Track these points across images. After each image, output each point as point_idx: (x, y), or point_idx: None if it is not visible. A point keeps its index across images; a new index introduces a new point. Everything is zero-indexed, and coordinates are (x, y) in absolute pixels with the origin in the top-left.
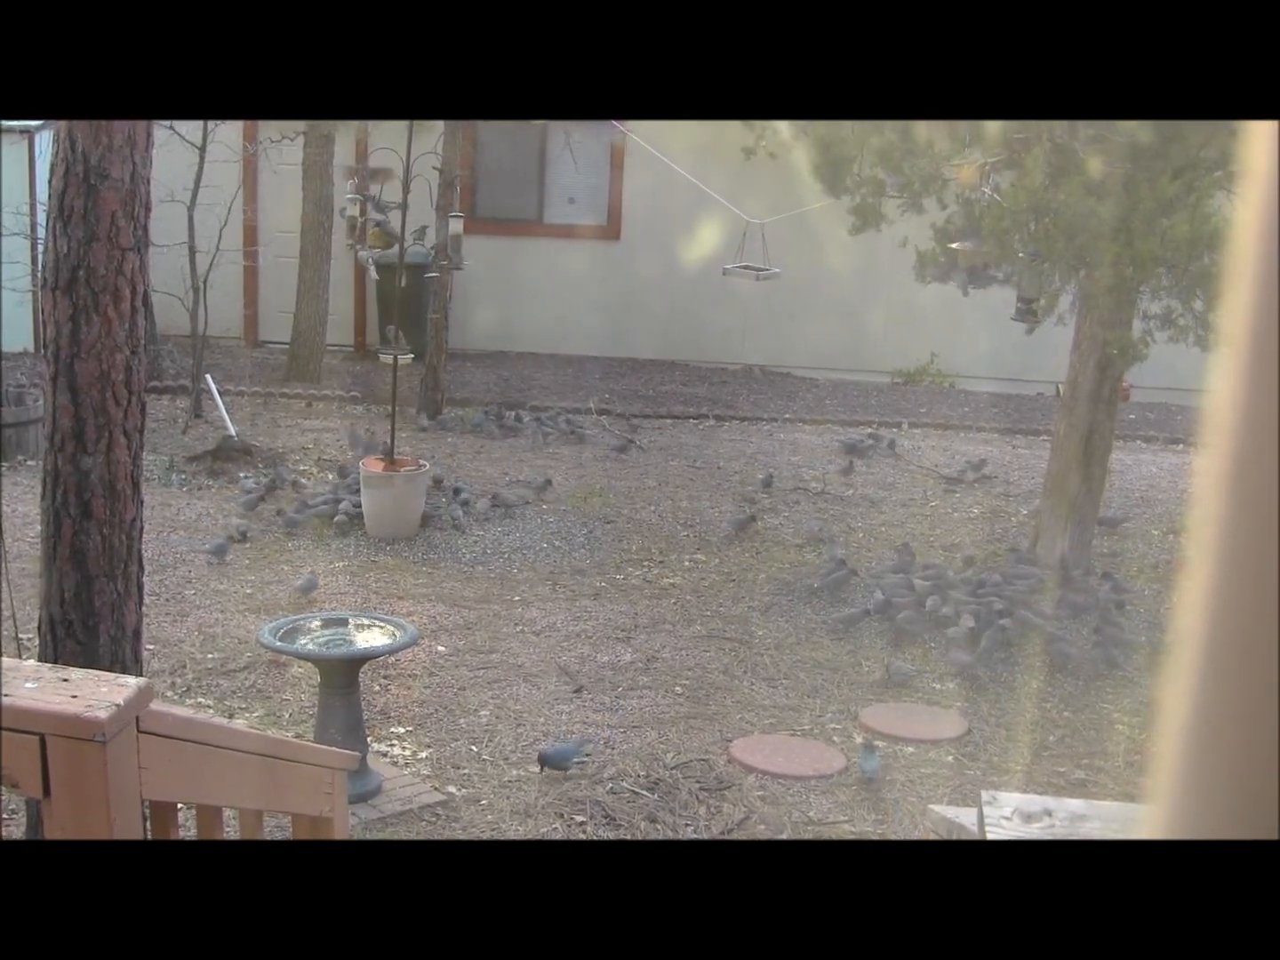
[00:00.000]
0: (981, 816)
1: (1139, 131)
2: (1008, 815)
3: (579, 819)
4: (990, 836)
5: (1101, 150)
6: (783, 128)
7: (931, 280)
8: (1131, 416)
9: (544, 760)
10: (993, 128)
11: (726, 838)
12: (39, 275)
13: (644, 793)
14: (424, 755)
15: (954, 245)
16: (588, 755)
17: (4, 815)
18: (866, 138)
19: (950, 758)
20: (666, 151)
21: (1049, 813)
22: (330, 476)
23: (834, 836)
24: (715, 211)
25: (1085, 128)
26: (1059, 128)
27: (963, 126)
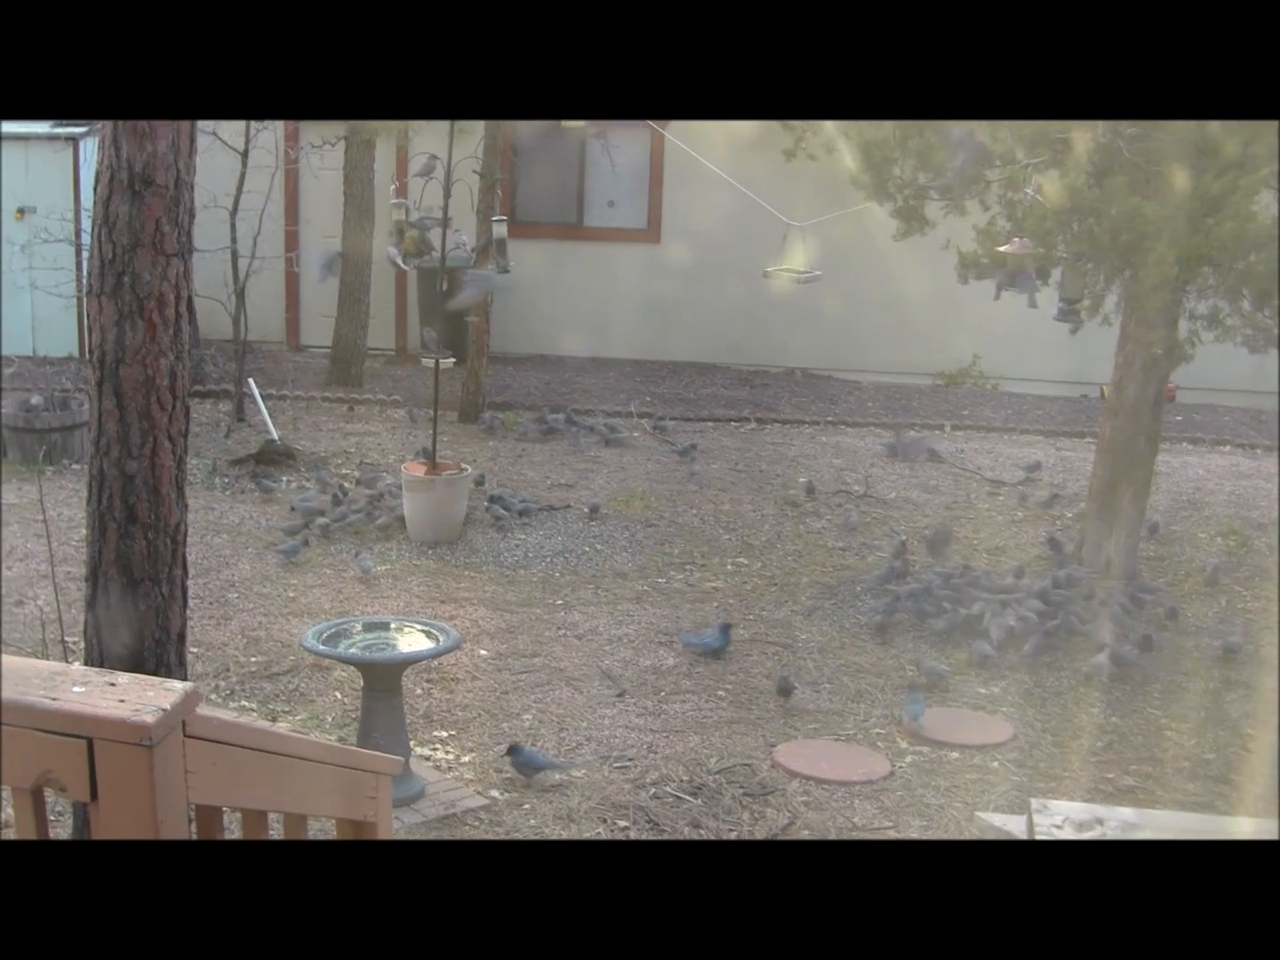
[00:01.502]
0: (1031, 824)
1: (1183, 130)
2: (1058, 823)
3: (622, 824)
4: None
5: (1144, 149)
6: (824, 129)
7: (973, 281)
8: (1178, 418)
9: (513, 752)
10: (1033, 128)
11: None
12: (84, 281)
13: (687, 798)
14: (467, 759)
15: (1003, 249)
16: (561, 771)
17: (50, 818)
18: (907, 140)
19: (996, 764)
20: (706, 154)
21: (1101, 821)
22: (361, 483)
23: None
24: (755, 214)
25: (1127, 126)
26: (1100, 127)
27: (1004, 128)
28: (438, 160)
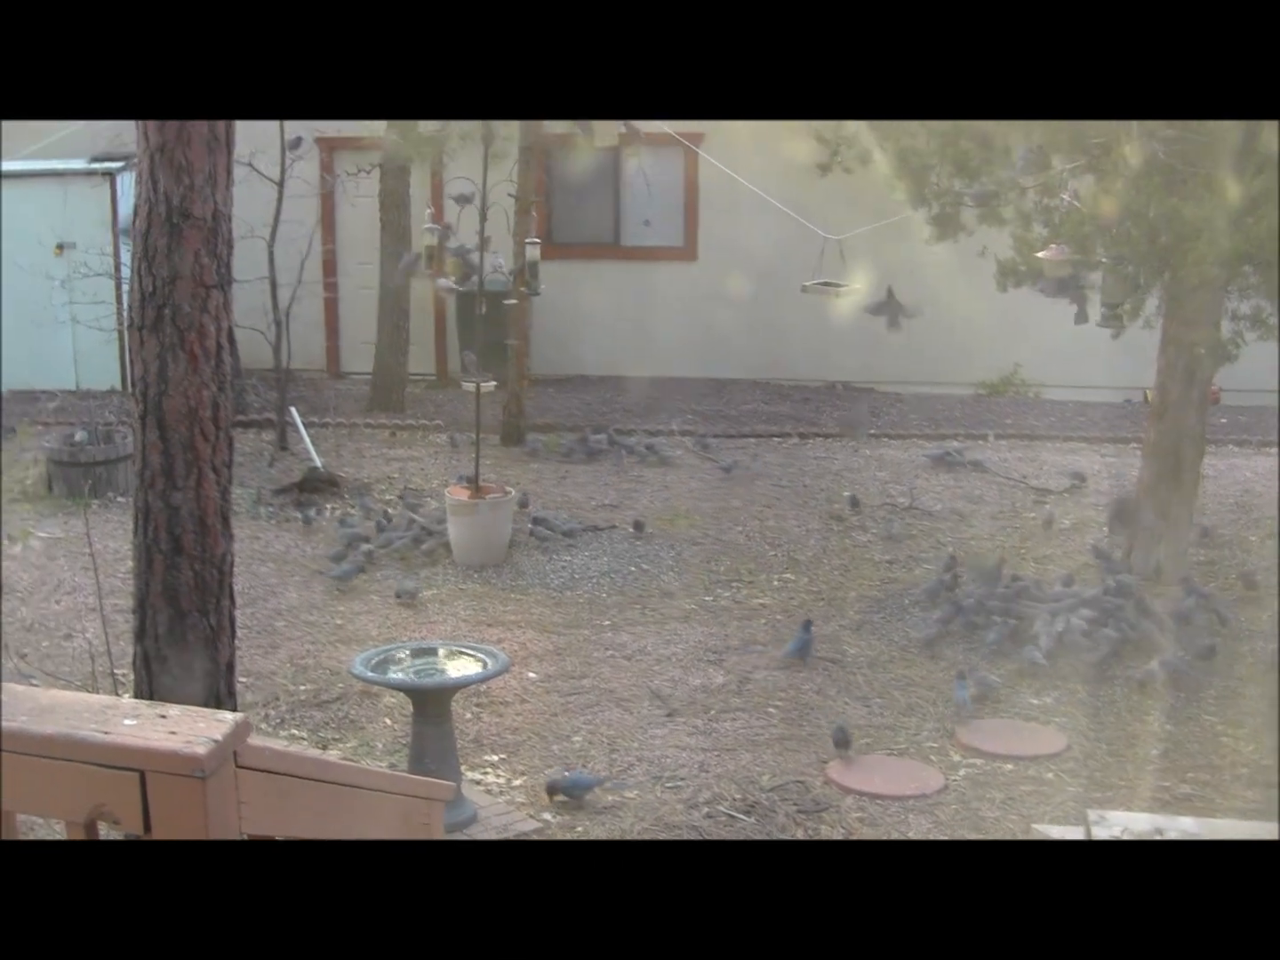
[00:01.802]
0: (1090, 835)
1: (1219, 129)
2: (1117, 834)
3: None
4: None
5: (1181, 151)
6: (858, 142)
7: (1011, 289)
8: (1223, 420)
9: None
10: (1069, 135)
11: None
12: (125, 315)
13: (741, 816)
14: (518, 783)
15: (1040, 254)
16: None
17: None
18: (943, 148)
19: (1051, 774)
20: (741, 171)
21: (1160, 831)
22: (405, 508)
23: None
24: (792, 229)
25: (1163, 128)
26: (1135, 130)
27: (1038, 135)
28: (473, 188)
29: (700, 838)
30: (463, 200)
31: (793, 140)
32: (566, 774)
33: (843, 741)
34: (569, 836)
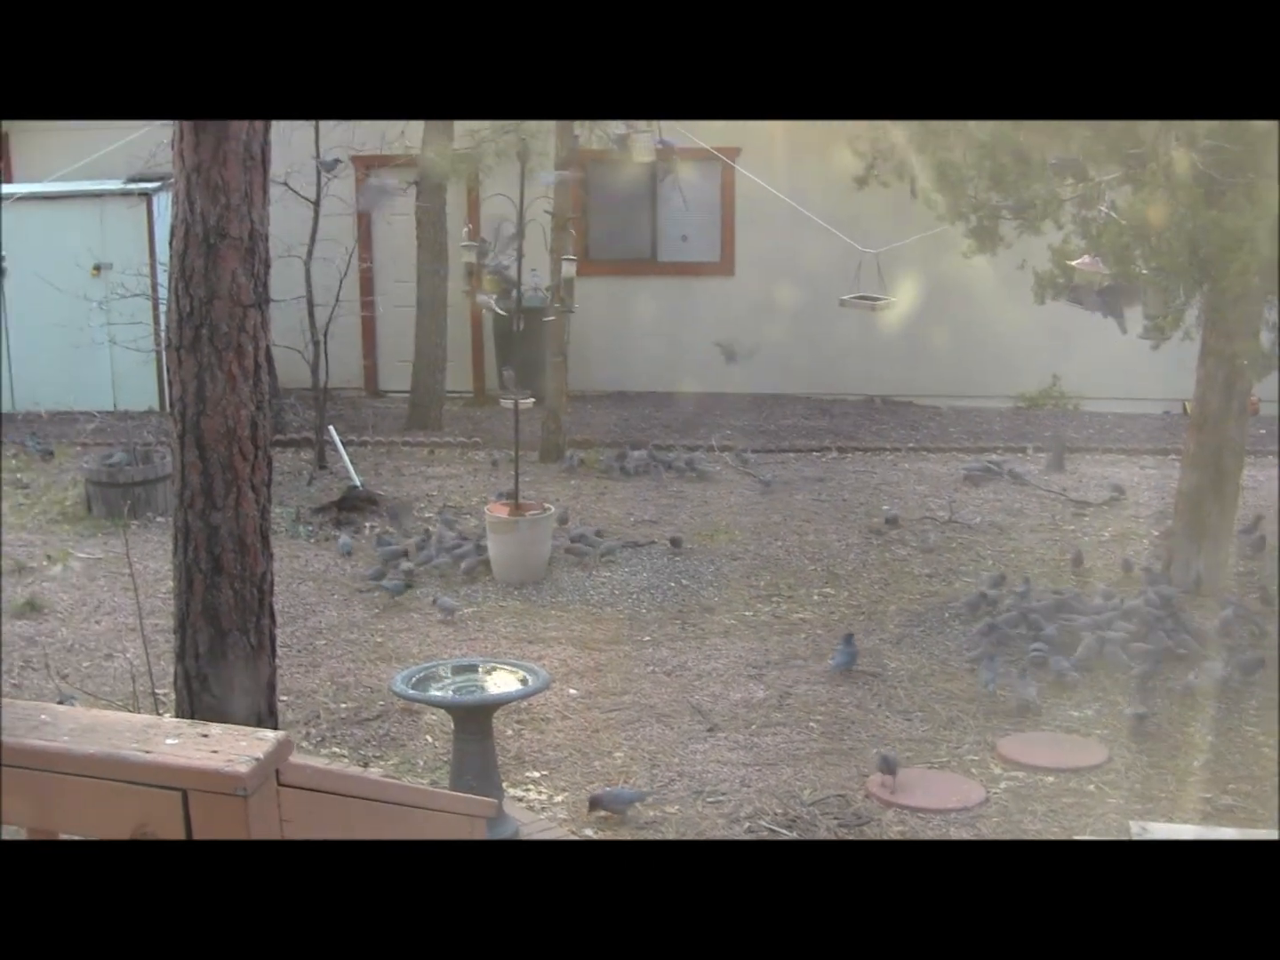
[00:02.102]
0: None
1: (1260, 139)
2: None
3: None
4: None
5: (1219, 160)
6: (894, 154)
7: (1050, 301)
8: (1261, 431)
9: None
10: (1105, 144)
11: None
12: (163, 335)
13: (782, 831)
14: (559, 799)
15: (1073, 263)
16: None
17: None
18: (980, 161)
19: (1092, 787)
20: (777, 185)
21: None
22: (444, 526)
23: None
24: (829, 243)
25: (1202, 138)
26: (1174, 140)
27: (1075, 146)
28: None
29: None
30: (506, 229)
31: (829, 153)
32: (608, 789)
33: (888, 768)
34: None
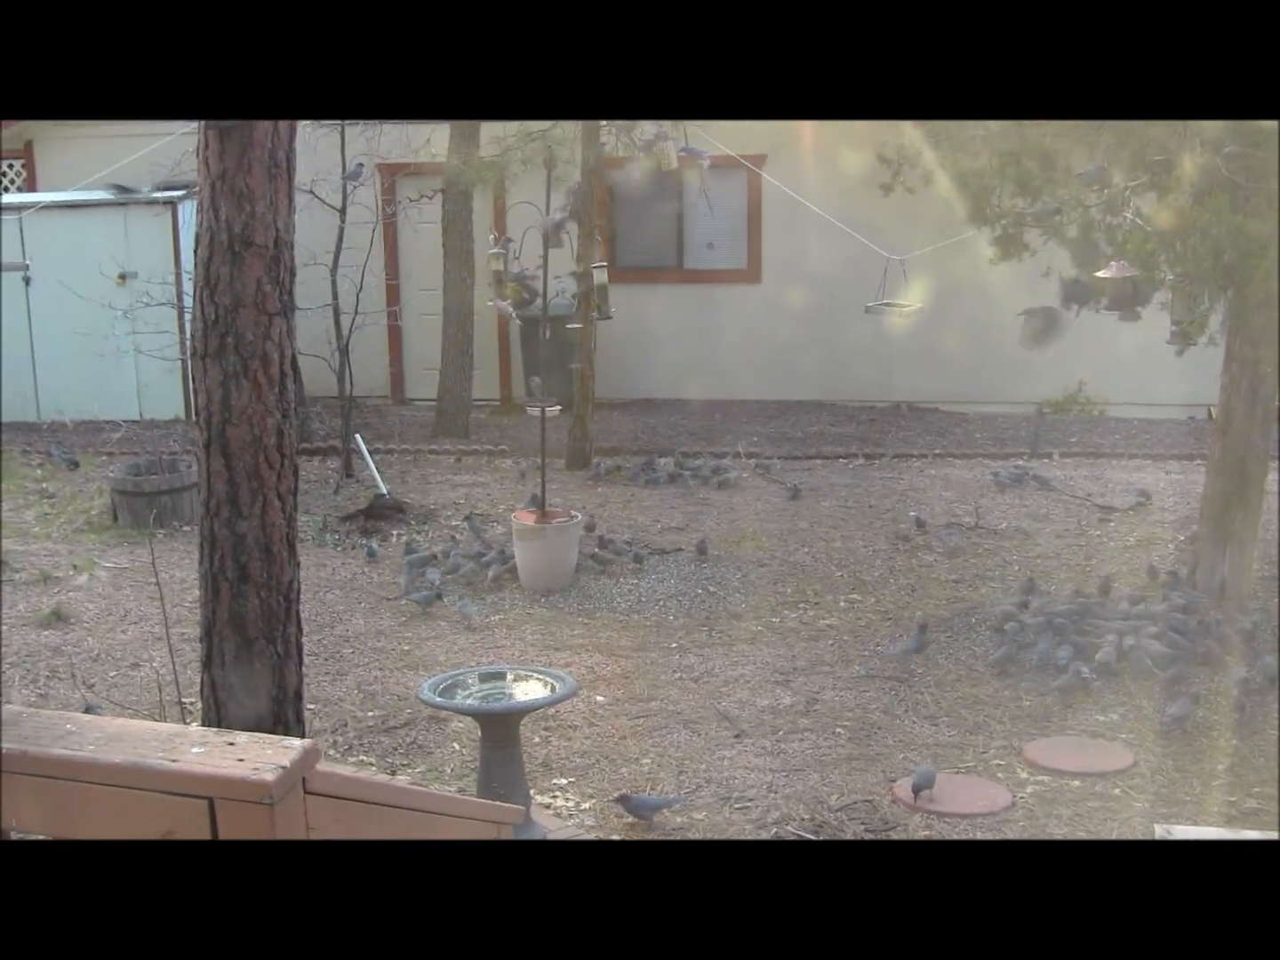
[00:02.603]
0: None
1: None
2: None
3: None
4: None
5: (1244, 166)
6: (921, 161)
7: (1075, 307)
8: None
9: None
10: (1130, 151)
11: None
12: (188, 343)
13: (809, 836)
14: (587, 806)
15: (1101, 274)
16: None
17: None
18: (1004, 168)
19: (1118, 790)
20: (804, 193)
21: None
22: (471, 533)
23: None
24: (855, 250)
25: (1226, 144)
26: (1199, 146)
27: (1100, 152)
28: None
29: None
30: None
31: (855, 160)
32: (636, 794)
33: (922, 787)
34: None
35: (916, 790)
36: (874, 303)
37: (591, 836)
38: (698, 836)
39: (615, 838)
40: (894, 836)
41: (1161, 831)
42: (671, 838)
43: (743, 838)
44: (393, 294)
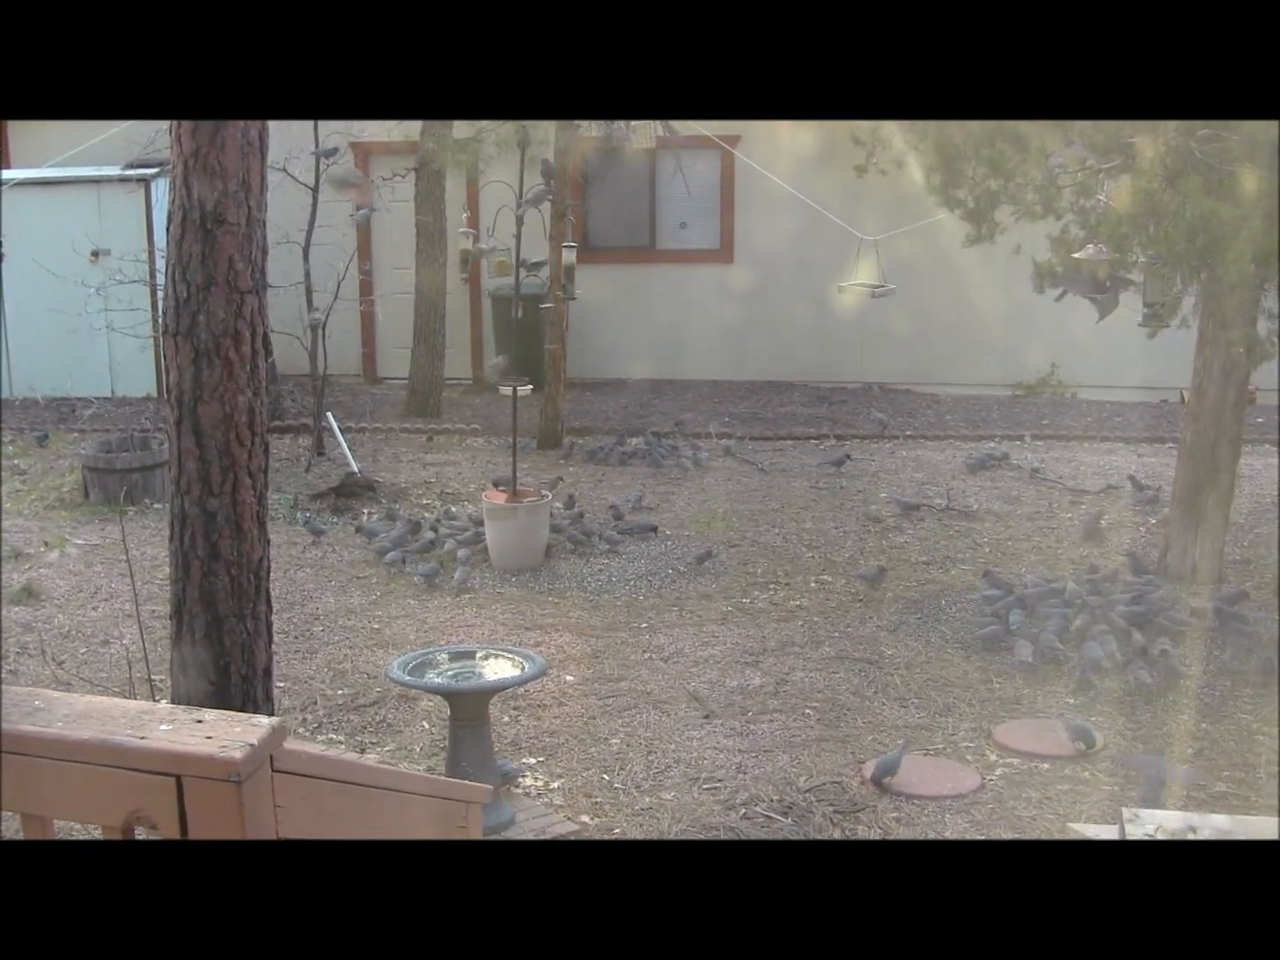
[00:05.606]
0: (1124, 834)
1: (1254, 128)
2: (1151, 832)
3: None
4: None
5: (1217, 149)
6: (893, 144)
7: (1048, 290)
8: (1259, 420)
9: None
10: (1104, 134)
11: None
12: (159, 321)
13: (778, 817)
14: (556, 785)
15: (1077, 255)
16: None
17: None
18: (978, 149)
19: (1087, 774)
20: (777, 173)
21: (1194, 829)
22: (442, 512)
23: None
24: (828, 231)
25: (1199, 128)
26: (1171, 129)
27: (1074, 133)
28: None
29: (738, 838)
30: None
31: (829, 141)
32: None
33: (883, 775)
34: (606, 838)
35: (877, 780)
36: (847, 283)
37: (560, 816)
38: (666, 817)
39: (585, 818)
40: (862, 818)
41: (1128, 814)
42: (640, 819)
43: (711, 818)
44: (366, 288)
